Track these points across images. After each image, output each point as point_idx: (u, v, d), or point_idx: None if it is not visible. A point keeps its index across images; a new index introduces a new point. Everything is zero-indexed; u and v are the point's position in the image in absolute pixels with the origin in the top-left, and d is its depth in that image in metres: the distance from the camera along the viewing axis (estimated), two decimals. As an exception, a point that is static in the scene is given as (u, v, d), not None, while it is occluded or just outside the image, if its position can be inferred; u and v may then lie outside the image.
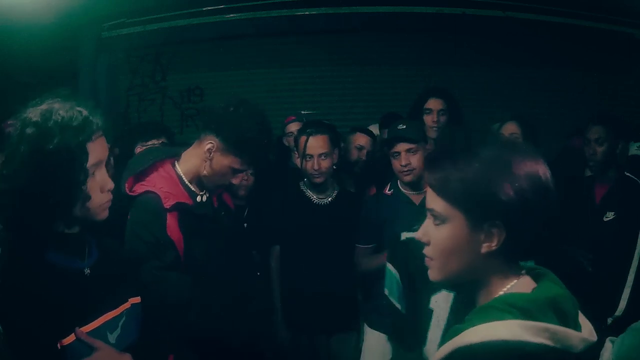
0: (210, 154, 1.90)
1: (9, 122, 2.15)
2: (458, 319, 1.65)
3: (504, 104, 4.36)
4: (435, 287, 1.81)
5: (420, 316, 1.84)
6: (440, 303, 1.80)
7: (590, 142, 2.78)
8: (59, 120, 1.25)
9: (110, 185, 1.36)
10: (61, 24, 3.72)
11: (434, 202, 1.00)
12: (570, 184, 2.85)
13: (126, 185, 1.89)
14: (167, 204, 1.83)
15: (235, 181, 1.95)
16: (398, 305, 2.04)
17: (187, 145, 2.03)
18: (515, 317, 0.88)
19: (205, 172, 1.92)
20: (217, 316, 1.84)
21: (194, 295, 1.81)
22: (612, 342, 2.71)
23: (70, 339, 1.24)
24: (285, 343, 2.69)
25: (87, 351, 1.25)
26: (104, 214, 1.36)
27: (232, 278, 1.99)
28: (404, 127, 2.48)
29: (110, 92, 4.68)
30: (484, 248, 0.96)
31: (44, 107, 1.27)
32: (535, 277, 1.00)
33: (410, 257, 1.94)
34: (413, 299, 1.92)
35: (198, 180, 1.97)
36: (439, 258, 1.01)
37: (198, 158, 1.94)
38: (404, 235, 2.23)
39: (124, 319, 1.38)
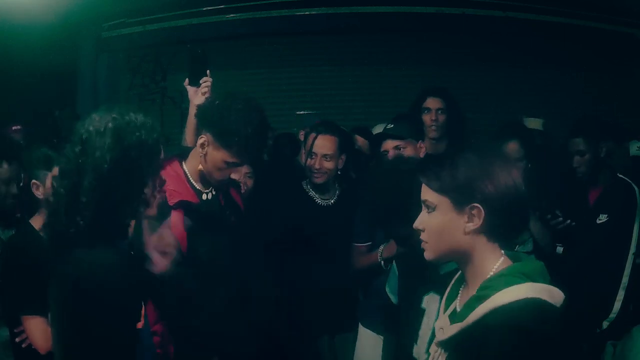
0: (204, 148, 1.94)
1: (13, 128, 2.19)
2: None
3: (503, 104, 4.36)
4: (428, 287, 1.80)
5: (415, 314, 1.83)
6: (430, 304, 1.75)
7: (572, 155, 2.75)
8: (136, 120, 1.37)
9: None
10: (61, 23, 3.73)
11: (426, 194, 1.25)
12: (565, 186, 2.83)
13: None
14: (171, 201, 1.87)
15: (235, 176, 1.98)
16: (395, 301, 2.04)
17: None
18: (526, 281, 1.14)
19: (202, 167, 1.96)
20: (218, 313, 1.85)
21: (193, 288, 1.84)
22: (613, 345, 2.71)
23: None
24: (287, 343, 2.67)
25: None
26: (154, 211, 1.49)
27: (234, 276, 2.01)
28: (392, 125, 2.48)
29: (110, 92, 4.67)
30: (469, 227, 1.19)
31: (111, 114, 1.37)
32: (511, 258, 1.24)
33: (410, 254, 1.93)
34: (409, 296, 1.91)
35: (202, 178, 2.00)
36: (432, 239, 1.25)
37: (197, 155, 1.97)
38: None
39: None
